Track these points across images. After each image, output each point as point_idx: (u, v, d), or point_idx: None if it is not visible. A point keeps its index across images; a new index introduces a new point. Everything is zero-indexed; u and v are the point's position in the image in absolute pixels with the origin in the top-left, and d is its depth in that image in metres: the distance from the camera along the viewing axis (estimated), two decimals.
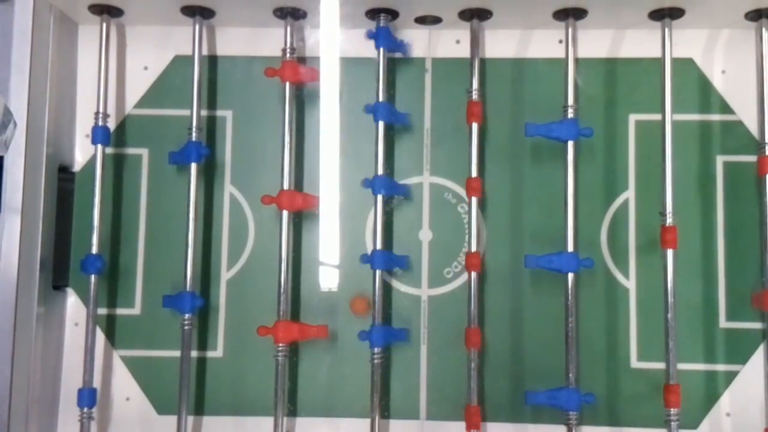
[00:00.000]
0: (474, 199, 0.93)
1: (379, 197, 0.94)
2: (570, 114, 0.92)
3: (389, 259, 0.94)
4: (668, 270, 0.89)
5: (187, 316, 0.92)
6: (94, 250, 0.93)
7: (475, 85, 0.94)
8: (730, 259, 0.95)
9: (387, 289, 0.97)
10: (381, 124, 0.94)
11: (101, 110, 0.95)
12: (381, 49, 0.94)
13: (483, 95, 0.96)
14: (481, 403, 0.92)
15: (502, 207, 0.97)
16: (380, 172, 0.94)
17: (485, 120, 0.96)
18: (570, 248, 0.90)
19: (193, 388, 0.95)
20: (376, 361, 0.91)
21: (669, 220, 0.90)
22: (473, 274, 0.91)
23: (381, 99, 0.94)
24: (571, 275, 0.90)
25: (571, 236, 0.91)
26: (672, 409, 0.87)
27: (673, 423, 0.87)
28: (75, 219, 0.98)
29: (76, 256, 0.98)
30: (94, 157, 0.95)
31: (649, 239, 0.95)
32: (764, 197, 0.91)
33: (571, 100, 0.92)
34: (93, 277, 0.93)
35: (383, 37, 0.94)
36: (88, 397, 0.92)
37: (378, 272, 0.92)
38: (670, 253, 0.89)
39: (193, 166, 0.94)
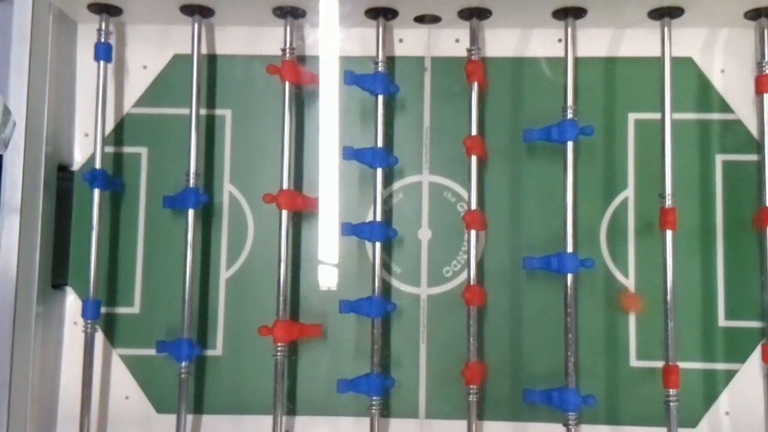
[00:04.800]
0: (474, 159, 0.92)
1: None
2: (569, 114, 0.92)
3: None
4: (667, 253, 0.89)
5: (183, 364, 0.92)
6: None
7: (476, 44, 0.94)
8: (729, 258, 0.95)
9: (386, 287, 0.97)
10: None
11: (103, 27, 0.95)
12: (379, 96, 0.94)
13: (483, 56, 0.96)
14: (480, 401, 0.92)
15: (501, 206, 0.97)
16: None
17: (483, 118, 0.96)
18: (569, 249, 0.90)
19: (192, 387, 0.95)
20: (374, 410, 0.91)
21: (668, 202, 0.90)
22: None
23: (380, 143, 0.94)
24: (570, 275, 0.90)
25: (570, 236, 0.91)
26: (671, 390, 0.87)
27: (672, 404, 0.87)
28: (74, 218, 0.98)
29: (75, 255, 0.98)
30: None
31: (649, 238, 0.95)
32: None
33: (570, 101, 0.92)
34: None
35: (381, 82, 0.93)
36: (92, 308, 0.93)
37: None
38: (669, 234, 0.89)
39: (191, 212, 0.93)
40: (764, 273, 0.92)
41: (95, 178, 0.94)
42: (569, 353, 0.89)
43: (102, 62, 0.95)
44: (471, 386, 0.90)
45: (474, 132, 0.93)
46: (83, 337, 0.93)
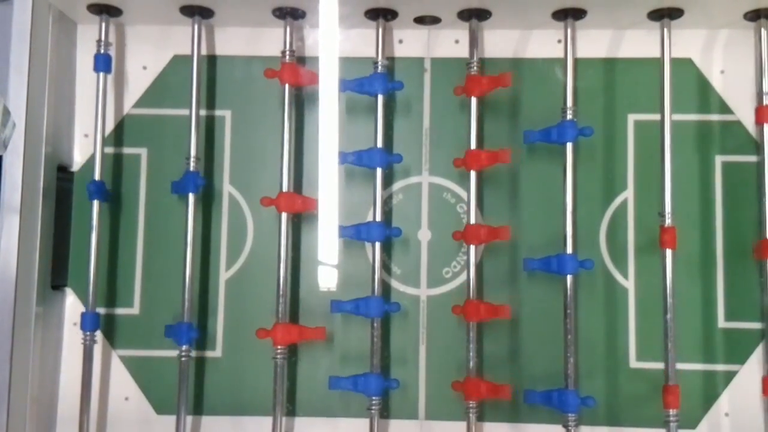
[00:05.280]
0: (473, 174, 0.92)
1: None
2: (569, 116, 0.92)
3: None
4: (667, 270, 0.89)
5: (184, 347, 0.92)
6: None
7: (475, 57, 0.94)
8: (728, 259, 0.95)
9: (386, 288, 0.97)
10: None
11: (102, 38, 0.96)
12: (379, 96, 0.94)
13: (482, 68, 0.96)
14: (480, 402, 0.92)
15: (500, 207, 0.97)
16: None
17: (483, 121, 0.96)
18: (569, 250, 0.90)
19: (192, 388, 0.95)
20: (373, 410, 0.91)
21: (668, 221, 0.90)
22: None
23: (380, 144, 0.94)
24: (569, 276, 0.90)
25: (570, 237, 0.90)
26: (671, 410, 0.87)
27: (672, 424, 0.87)
28: (74, 219, 0.98)
29: (74, 256, 0.98)
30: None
31: (648, 239, 0.95)
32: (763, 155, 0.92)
33: (569, 102, 0.92)
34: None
35: (380, 82, 0.94)
36: (91, 320, 0.93)
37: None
38: (668, 253, 0.89)
39: (191, 197, 0.94)
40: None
41: (97, 190, 0.94)
42: (569, 354, 0.89)
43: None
44: (470, 402, 0.90)
45: (473, 146, 0.92)
46: (82, 346, 0.93)
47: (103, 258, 0.97)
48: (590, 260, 0.90)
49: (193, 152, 0.94)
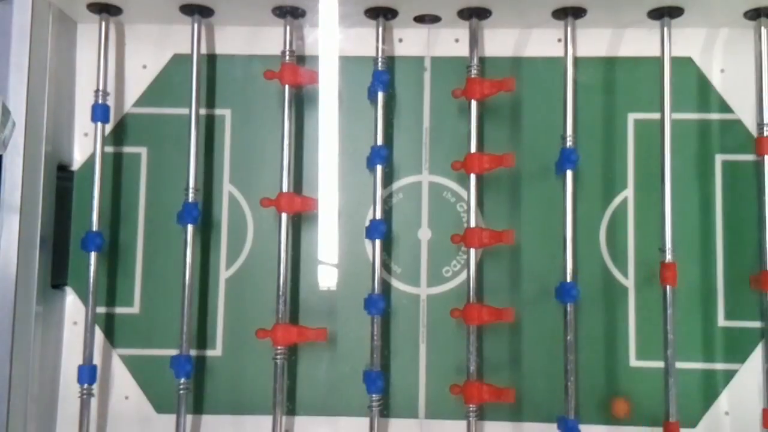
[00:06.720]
0: (473, 177, 0.92)
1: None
2: (569, 143, 0.92)
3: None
4: (667, 304, 0.89)
5: (182, 380, 0.92)
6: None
7: (475, 60, 0.94)
8: (728, 258, 0.95)
9: (386, 287, 0.97)
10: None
11: (101, 88, 0.95)
12: (380, 93, 0.94)
13: (482, 71, 0.96)
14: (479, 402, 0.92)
15: (500, 208, 0.97)
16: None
17: (482, 120, 0.96)
18: (568, 278, 0.90)
19: (192, 387, 0.95)
20: (374, 408, 0.91)
21: (669, 257, 0.90)
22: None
23: (380, 142, 0.94)
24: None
25: (570, 263, 0.90)
26: None
27: None
28: (74, 218, 0.98)
29: (74, 255, 0.98)
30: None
31: (648, 239, 0.95)
32: (763, 181, 0.91)
33: (569, 130, 0.92)
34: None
35: (381, 81, 0.94)
36: (88, 374, 0.92)
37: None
38: (669, 289, 0.89)
39: (190, 227, 0.93)
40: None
41: (93, 242, 0.93)
42: (569, 380, 0.89)
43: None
44: (470, 405, 0.90)
45: (473, 149, 0.92)
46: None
47: (103, 257, 0.97)
48: (576, 289, 0.90)
49: (192, 183, 0.93)
